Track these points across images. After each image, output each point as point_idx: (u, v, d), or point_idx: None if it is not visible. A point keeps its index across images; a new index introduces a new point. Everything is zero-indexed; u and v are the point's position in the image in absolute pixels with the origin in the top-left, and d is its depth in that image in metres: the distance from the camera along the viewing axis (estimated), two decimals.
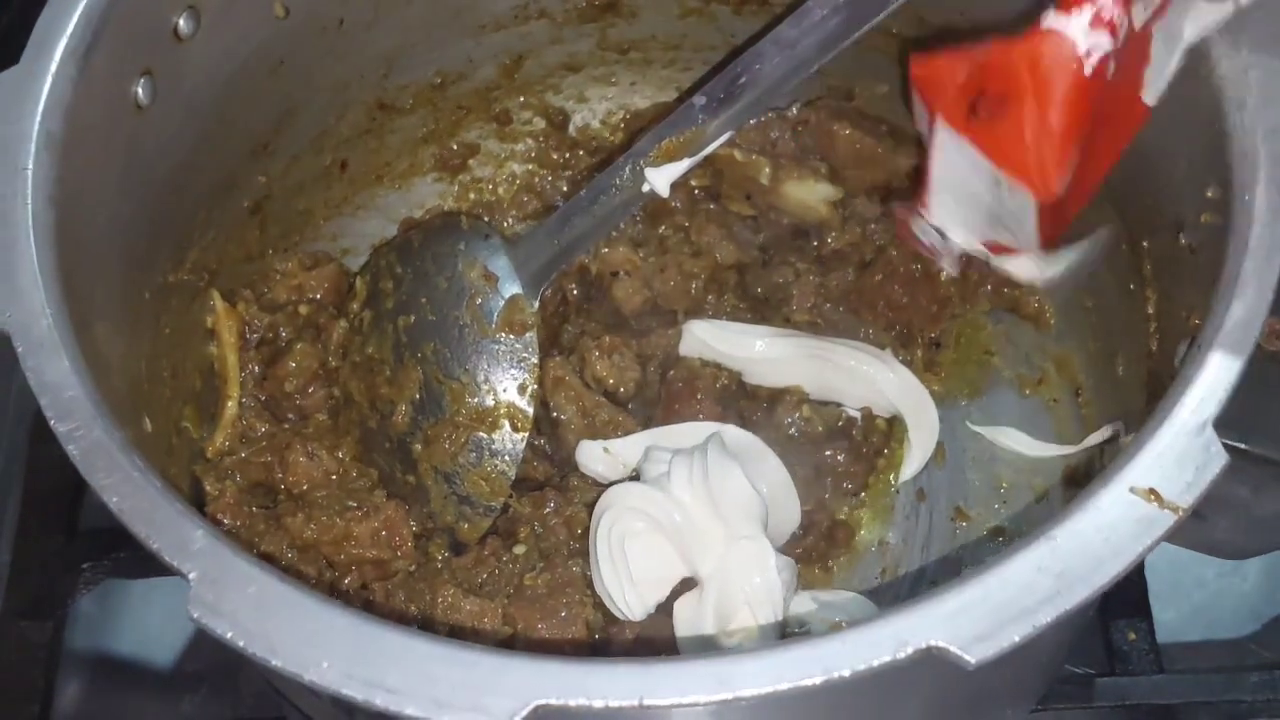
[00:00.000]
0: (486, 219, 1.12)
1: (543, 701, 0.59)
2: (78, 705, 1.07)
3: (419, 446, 0.99)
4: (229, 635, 0.62)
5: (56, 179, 0.76)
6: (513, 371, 0.99)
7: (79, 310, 0.74)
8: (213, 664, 1.09)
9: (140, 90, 0.84)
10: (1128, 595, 1.01)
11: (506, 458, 0.99)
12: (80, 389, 0.69)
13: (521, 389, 0.99)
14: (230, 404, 0.99)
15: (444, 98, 1.11)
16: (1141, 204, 0.88)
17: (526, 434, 0.99)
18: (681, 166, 0.94)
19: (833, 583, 0.99)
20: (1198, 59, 0.75)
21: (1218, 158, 0.73)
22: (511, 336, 1.00)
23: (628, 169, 0.95)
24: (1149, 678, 0.98)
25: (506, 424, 0.99)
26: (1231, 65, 0.74)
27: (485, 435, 0.99)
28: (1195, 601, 1.07)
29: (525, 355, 1.00)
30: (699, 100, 0.93)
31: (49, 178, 0.76)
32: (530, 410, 0.99)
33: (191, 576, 0.63)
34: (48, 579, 1.08)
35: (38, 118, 0.77)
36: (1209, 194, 0.74)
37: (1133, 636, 1.00)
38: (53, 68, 0.78)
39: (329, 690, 0.60)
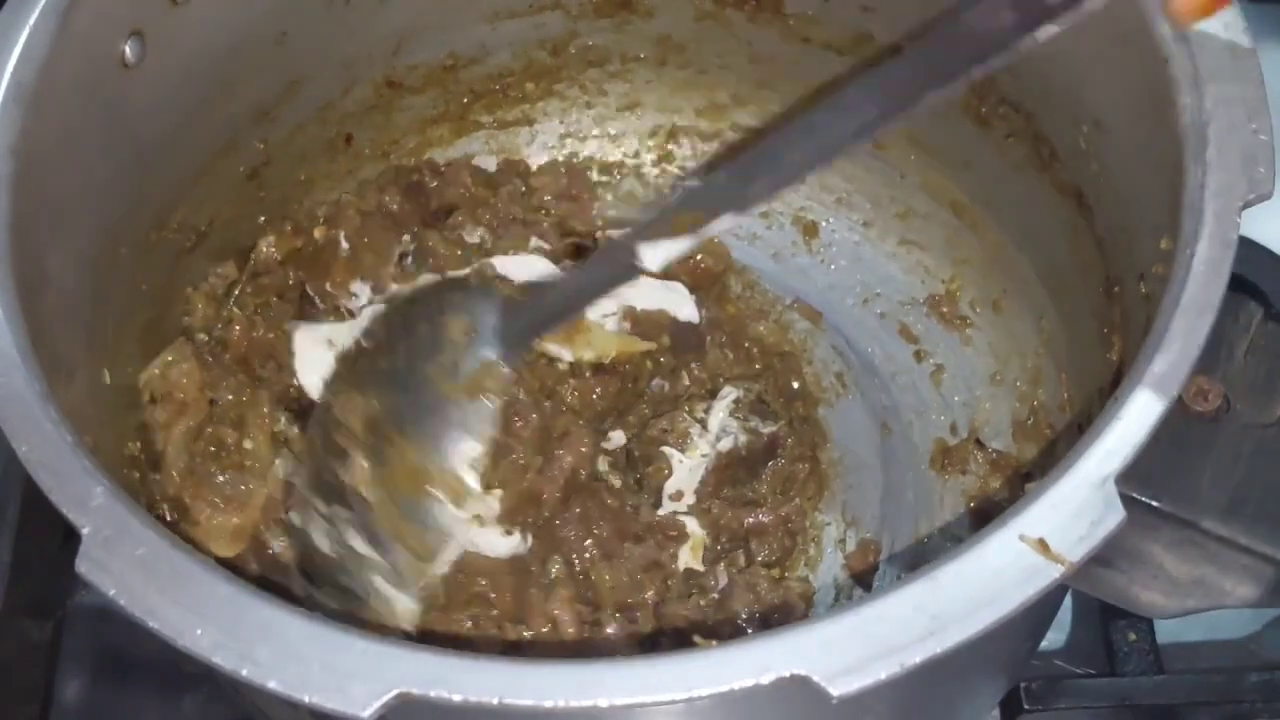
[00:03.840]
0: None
1: (404, 690, 0.59)
2: (78, 705, 1.07)
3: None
4: (112, 593, 0.63)
5: (21, 130, 0.76)
6: (466, 440, 0.90)
7: (29, 262, 0.74)
8: None
9: (128, 49, 0.84)
10: None
11: (440, 532, 0.89)
12: (9, 338, 0.70)
13: (471, 463, 0.90)
14: None
15: (455, 80, 1.11)
16: (1118, 247, 0.86)
17: (464, 512, 0.90)
18: (679, 246, 0.83)
19: (789, 578, 1.00)
20: (1164, 105, 0.74)
21: (1172, 209, 0.72)
22: (475, 401, 0.90)
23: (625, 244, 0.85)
24: (1149, 678, 0.99)
25: (444, 494, 0.89)
26: (1193, 118, 0.72)
27: (416, 500, 0.89)
28: None
29: (483, 426, 0.90)
30: (713, 180, 0.86)
31: (13, 128, 0.76)
32: (476, 486, 0.90)
33: (84, 532, 0.64)
34: (48, 579, 1.07)
35: (9, 68, 0.76)
36: (1162, 245, 0.73)
37: (1133, 637, 1.00)
38: (32, 19, 0.78)
39: (200, 657, 0.61)
